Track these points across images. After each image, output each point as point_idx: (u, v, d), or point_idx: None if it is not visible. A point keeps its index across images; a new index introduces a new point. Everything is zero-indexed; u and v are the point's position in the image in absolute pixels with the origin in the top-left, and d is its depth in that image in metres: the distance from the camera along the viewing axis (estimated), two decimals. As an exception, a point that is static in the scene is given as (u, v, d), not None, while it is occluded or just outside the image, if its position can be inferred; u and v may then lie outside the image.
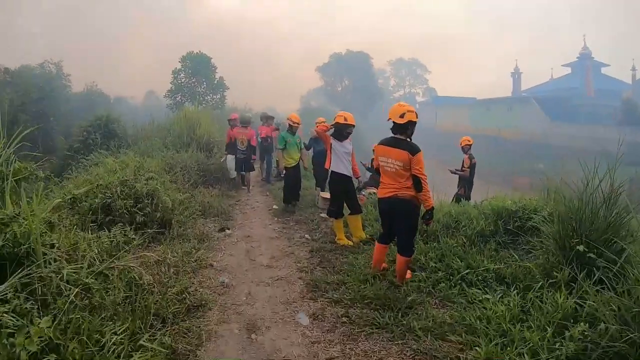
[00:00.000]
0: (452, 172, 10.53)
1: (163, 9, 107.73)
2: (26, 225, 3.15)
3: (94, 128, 15.90)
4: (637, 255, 3.81)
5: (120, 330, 3.10)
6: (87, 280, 3.16)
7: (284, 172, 9.24)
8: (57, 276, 2.96)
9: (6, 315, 2.47)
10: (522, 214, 6.20)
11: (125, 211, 6.11)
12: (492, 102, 55.40)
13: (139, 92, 58.39)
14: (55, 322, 2.70)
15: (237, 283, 5.30)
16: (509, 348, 3.37)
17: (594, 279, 3.82)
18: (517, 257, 5.28)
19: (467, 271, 4.99)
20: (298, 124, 9.52)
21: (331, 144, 6.86)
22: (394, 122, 4.96)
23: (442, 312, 4.35)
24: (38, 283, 2.85)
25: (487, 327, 3.78)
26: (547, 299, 3.91)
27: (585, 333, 3.13)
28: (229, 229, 7.83)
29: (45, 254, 3.12)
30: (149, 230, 6.20)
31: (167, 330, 3.73)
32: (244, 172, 12.21)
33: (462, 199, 9.73)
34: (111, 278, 3.57)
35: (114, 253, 4.59)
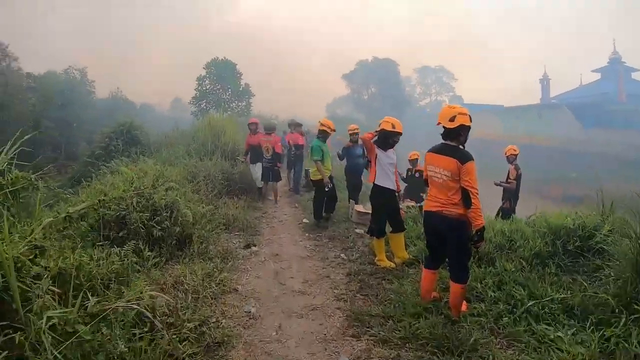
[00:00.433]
0: (497, 184, 9.71)
1: (191, 15, 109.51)
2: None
3: (116, 134, 15.73)
4: None
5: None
6: (77, 327, 2.51)
7: (329, 184, 8.48)
8: (37, 323, 2.32)
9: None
10: (582, 233, 5.60)
11: (140, 225, 5.57)
12: (522, 110, 53.92)
13: (165, 99, 59.07)
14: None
15: (265, 313, 4.63)
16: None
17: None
18: (584, 284, 4.67)
19: (531, 302, 4.35)
20: (333, 130, 8.85)
21: (376, 155, 6.18)
22: (443, 126, 4.39)
23: (511, 355, 3.68)
24: (13, 333, 2.23)
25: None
26: (634, 339, 3.36)
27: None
28: (255, 245, 7.19)
29: (29, 290, 2.51)
30: (166, 246, 5.76)
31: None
32: (270, 182, 11.60)
33: (508, 214, 9.01)
34: (112, 318, 2.92)
35: (123, 277, 4.03)
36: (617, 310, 3.84)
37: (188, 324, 3.78)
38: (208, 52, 63.34)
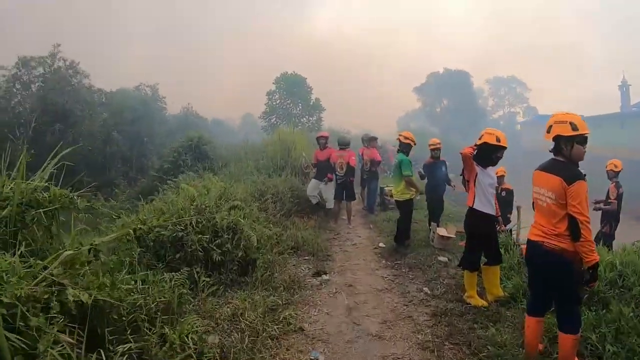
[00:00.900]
0: (596, 208, 8.51)
1: (262, 30, 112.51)
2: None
3: (184, 149, 15.91)
4: None
5: None
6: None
7: (419, 196, 7.74)
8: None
9: None
10: None
11: (199, 248, 5.12)
12: (602, 119, 50.20)
13: (236, 114, 60.48)
14: None
15: (336, 363, 3.97)
16: None
17: None
18: None
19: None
20: (415, 143, 8.15)
21: (476, 174, 5.34)
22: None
23: None
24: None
25: None
26: None
27: None
28: (326, 273, 6.56)
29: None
30: (226, 272, 5.34)
31: None
32: (344, 201, 10.96)
33: (609, 240, 8.13)
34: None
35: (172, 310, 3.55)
36: None
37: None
38: (279, 66, 64.43)
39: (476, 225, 5.39)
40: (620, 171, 8.39)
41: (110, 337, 2.90)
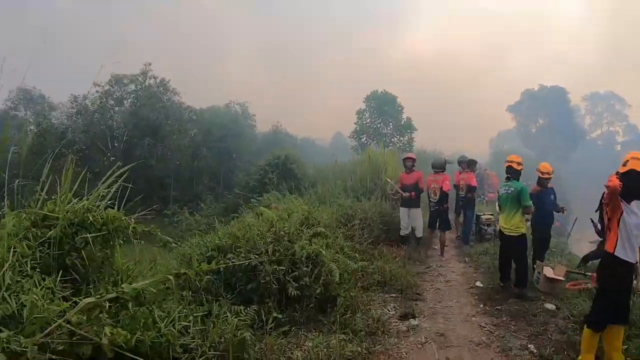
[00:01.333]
0: None
1: (354, 51, 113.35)
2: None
3: (271, 167, 16.08)
4: None
5: None
6: None
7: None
8: None
9: None
10: None
11: (273, 280, 4.71)
12: None
13: (326, 134, 60.98)
14: None
15: None
16: None
17: None
18: None
19: None
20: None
21: (621, 212, 4.33)
22: None
23: None
24: None
25: None
26: None
27: None
28: (414, 317, 5.84)
29: None
30: (302, 309, 4.90)
31: None
32: (437, 230, 10.16)
33: None
34: None
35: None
36: None
37: None
38: (372, 86, 64.60)
39: (615, 276, 4.42)
40: None
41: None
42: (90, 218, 3.37)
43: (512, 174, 7.17)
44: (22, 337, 1.97)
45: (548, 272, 7.19)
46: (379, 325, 5.23)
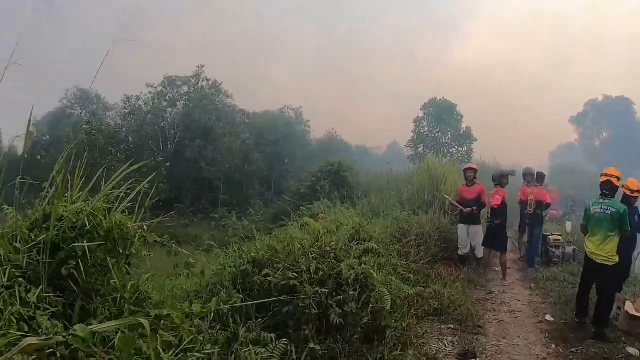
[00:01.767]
0: None
1: (412, 60, 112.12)
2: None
3: (323, 174, 15.88)
4: None
5: None
6: None
7: None
8: None
9: None
10: None
11: (313, 304, 4.09)
12: None
13: (382, 142, 60.29)
14: None
15: None
16: None
17: None
18: None
19: None
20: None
21: None
22: None
23: None
24: None
25: None
26: None
27: None
28: (475, 356, 5.05)
29: None
30: (344, 340, 4.21)
31: None
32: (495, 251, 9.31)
33: None
34: None
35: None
36: None
37: None
38: (426, 94, 63.26)
39: None
40: None
41: None
42: (94, 222, 2.91)
43: (610, 191, 6.18)
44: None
45: (630, 308, 6.14)
46: (433, 364, 4.49)
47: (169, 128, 24.68)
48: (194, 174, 22.42)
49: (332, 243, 4.89)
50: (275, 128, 28.33)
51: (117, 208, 3.22)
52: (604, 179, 6.24)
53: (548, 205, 10.58)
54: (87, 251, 2.72)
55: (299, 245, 4.66)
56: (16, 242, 2.77)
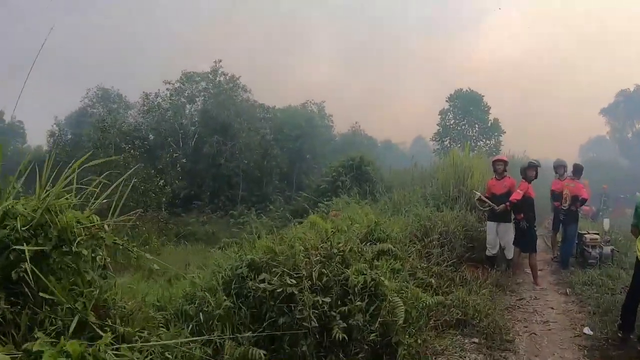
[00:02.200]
0: None
1: (438, 53, 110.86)
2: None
3: (344, 169, 15.68)
4: None
5: None
6: None
7: None
8: None
9: None
10: None
11: (313, 315, 3.58)
12: None
13: (407, 137, 59.63)
14: None
15: None
16: None
17: None
18: None
19: None
20: None
21: None
22: None
23: None
24: None
25: None
26: None
27: None
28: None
29: None
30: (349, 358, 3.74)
31: None
32: (525, 251, 8.59)
33: None
34: None
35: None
36: None
37: None
38: (452, 87, 62.48)
39: None
40: None
41: None
42: (48, 220, 2.57)
43: None
44: None
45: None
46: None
47: (188, 124, 24.73)
48: (213, 170, 22.35)
49: (340, 244, 4.36)
50: (296, 123, 28.20)
51: (91, 206, 2.89)
52: None
53: (584, 201, 9.81)
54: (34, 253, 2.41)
55: (301, 247, 4.15)
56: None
